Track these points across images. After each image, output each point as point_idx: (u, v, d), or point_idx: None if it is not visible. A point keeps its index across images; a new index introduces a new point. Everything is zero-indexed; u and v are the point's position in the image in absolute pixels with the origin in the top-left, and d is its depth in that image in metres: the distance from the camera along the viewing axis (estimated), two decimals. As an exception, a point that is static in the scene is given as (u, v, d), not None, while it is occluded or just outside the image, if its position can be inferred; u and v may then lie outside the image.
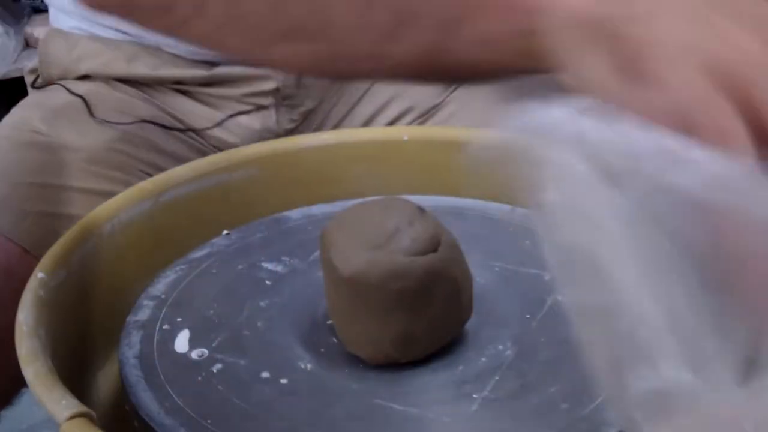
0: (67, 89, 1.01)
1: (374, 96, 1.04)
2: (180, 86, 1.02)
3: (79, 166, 0.94)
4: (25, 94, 1.10)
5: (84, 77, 1.02)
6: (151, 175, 0.97)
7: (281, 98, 1.03)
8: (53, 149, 0.93)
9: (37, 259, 0.84)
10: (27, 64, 1.12)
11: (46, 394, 0.61)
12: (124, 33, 1.01)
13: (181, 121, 1.02)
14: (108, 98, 1.00)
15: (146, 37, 1.00)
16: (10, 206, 0.88)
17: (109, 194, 0.93)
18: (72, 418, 0.59)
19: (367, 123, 1.04)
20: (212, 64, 1.01)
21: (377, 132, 0.95)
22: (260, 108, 1.03)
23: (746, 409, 0.43)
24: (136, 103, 1.01)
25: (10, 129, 0.96)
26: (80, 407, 0.60)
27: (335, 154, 0.90)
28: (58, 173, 0.93)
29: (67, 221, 0.88)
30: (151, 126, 0.99)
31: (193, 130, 1.01)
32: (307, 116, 1.05)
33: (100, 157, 0.94)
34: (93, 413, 0.60)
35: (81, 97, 0.99)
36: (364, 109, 1.04)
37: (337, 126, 1.06)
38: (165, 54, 1.01)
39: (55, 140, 0.94)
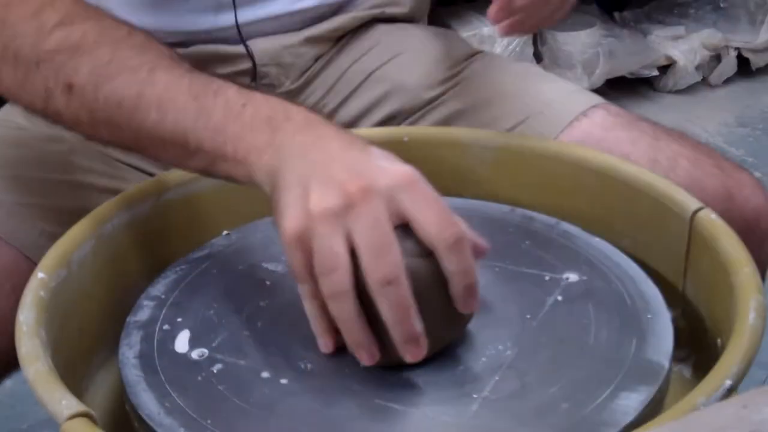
0: None
1: (369, 89, 1.03)
2: None
3: (61, 158, 0.94)
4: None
5: None
6: (130, 166, 0.97)
7: (259, 78, 1.01)
8: (36, 142, 0.93)
9: (18, 250, 0.85)
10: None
11: (46, 394, 0.61)
12: None
13: None
14: None
15: None
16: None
17: (90, 186, 0.94)
18: (72, 417, 0.59)
19: (362, 116, 1.03)
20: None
21: (377, 132, 0.95)
22: None
23: (735, 421, 0.43)
24: None
25: None
26: (80, 407, 0.60)
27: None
28: (43, 166, 0.93)
29: (52, 212, 0.89)
30: None
31: None
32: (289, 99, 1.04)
33: (80, 148, 0.94)
34: (93, 413, 0.60)
35: None
36: (359, 102, 1.03)
37: (329, 117, 1.05)
38: None
39: (36, 133, 0.94)
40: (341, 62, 1.05)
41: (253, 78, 1.01)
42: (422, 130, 0.96)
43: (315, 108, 1.05)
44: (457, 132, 0.92)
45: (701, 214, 0.75)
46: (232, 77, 0.99)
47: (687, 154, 0.89)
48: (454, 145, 0.90)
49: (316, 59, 1.04)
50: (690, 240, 0.76)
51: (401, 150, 0.90)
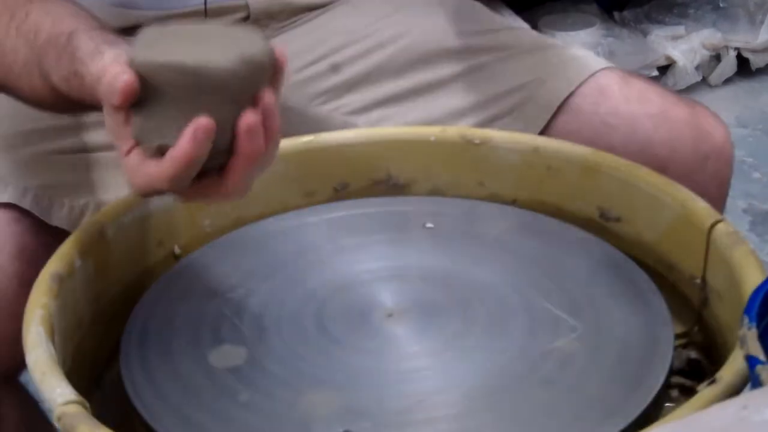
0: None
1: (374, 36, 1.01)
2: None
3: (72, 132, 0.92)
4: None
5: None
6: None
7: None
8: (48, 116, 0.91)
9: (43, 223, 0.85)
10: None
11: (44, 381, 0.61)
12: None
13: None
14: None
15: None
16: (11, 179, 0.87)
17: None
18: (67, 404, 0.59)
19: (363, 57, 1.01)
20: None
21: (385, 132, 0.92)
22: None
23: (735, 422, 0.43)
24: None
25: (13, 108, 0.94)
26: (75, 396, 0.60)
27: (335, 155, 0.88)
28: (53, 139, 0.92)
29: (70, 189, 0.89)
30: None
31: None
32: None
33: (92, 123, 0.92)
34: (86, 402, 0.60)
35: None
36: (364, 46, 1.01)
37: (334, 69, 1.00)
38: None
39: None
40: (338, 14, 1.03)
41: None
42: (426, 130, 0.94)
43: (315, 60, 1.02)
44: (458, 131, 0.90)
45: (719, 226, 0.73)
46: None
47: (654, 89, 0.95)
48: (454, 145, 0.88)
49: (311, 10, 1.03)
50: (708, 253, 0.74)
51: (401, 150, 0.89)
